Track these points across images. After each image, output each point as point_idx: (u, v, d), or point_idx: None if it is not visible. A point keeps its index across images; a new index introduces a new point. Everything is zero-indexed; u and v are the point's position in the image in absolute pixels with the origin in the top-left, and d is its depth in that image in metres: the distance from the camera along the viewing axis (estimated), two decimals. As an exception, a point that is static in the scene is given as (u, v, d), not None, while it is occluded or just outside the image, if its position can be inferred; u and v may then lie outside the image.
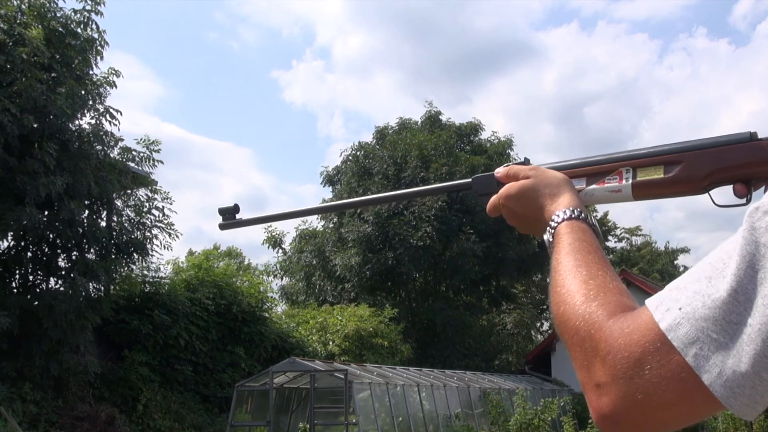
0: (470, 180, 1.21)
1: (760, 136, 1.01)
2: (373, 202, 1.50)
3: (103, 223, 13.05)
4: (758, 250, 0.69)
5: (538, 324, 35.09)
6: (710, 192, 1.05)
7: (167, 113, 71.14)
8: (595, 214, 36.00)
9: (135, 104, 60.14)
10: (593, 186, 1.10)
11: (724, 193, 1.06)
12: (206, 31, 70.59)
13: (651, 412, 0.72)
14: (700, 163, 1.03)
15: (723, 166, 1.02)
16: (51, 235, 12.01)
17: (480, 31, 58.28)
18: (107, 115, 12.55)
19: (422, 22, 56.00)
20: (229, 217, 1.43)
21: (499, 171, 1.16)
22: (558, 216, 0.99)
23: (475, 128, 27.67)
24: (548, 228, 0.99)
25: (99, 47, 12.45)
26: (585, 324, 0.79)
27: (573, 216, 0.98)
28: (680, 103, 71.26)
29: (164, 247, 14.07)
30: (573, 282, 0.86)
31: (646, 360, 0.71)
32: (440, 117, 27.78)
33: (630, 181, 1.08)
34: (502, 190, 1.11)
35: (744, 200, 1.03)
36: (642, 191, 1.08)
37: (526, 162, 1.15)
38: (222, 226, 1.45)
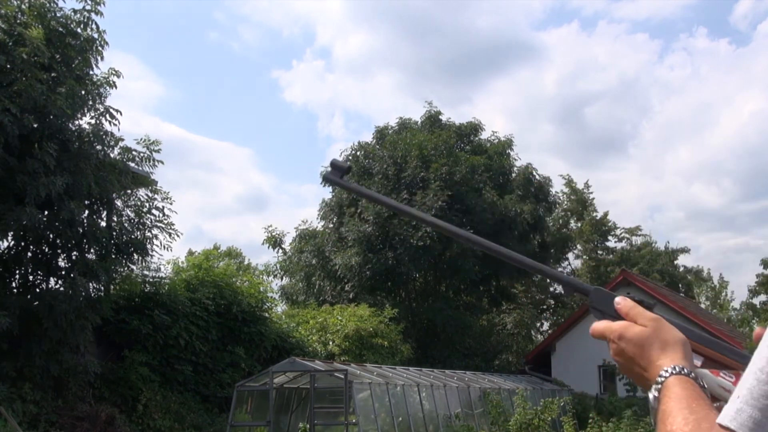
0: (591, 288, 1.19)
1: None
2: (477, 244, 1.40)
3: (103, 223, 13.04)
4: None
5: (538, 324, 35.08)
6: None
7: (167, 113, 71.11)
8: (595, 214, 35.97)
9: (135, 104, 60.10)
10: (706, 371, 1.06)
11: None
12: (207, 30, 70.55)
13: None
14: None
15: None
16: (51, 235, 12.01)
17: (480, 30, 58.27)
18: (107, 115, 12.56)
19: (423, 22, 56.01)
20: (337, 173, 1.42)
21: (620, 303, 1.13)
22: (666, 371, 0.98)
23: (475, 128, 27.66)
24: (654, 385, 0.99)
25: (99, 47, 12.45)
26: None
27: (683, 372, 0.97)
28: (681, 103, 71.15)
29: (164, 247, 14.09)
30: (675, 422, 0.87)
31: None
32: (440, 117, 27.79)
33: None
34: (616, 327, 1.10)
35: None
36: None
37: (650, 306, 1.12)
38: (325, 178, 1.46)
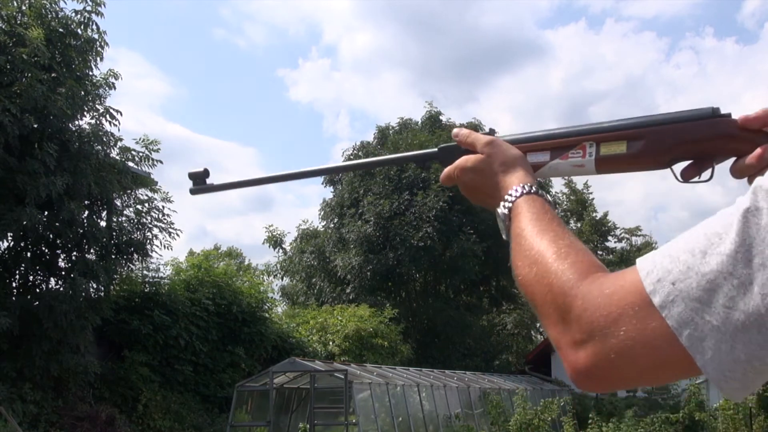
0: (437, 149, 1.20)
1: (722, 112, 1.01)
2: (345, 169, 1.52)
3: (103, 223, 13.04)
4: (759, 234, 0.68)
5: (538, 324, 35.05)
6: (673, 168, 1.05)
7: (173, 112, 71.22)
8: (595, 214, 35.96)
9: (141, 103, 60.20)
10: (557, 160, 1.10)
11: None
12: (213, 27, 70.53)
13: (624, 371, 0.73)
14: (662, 139, 1.03)
15: (684, 142, 1.02)
16: (51, 236, 12.01)
17: (487, 29, 58.34)
18: (107, 116, 12.57)
19: (429, 20, 56.05)
20: (200, 182, 1.38)
21: (458, 134, 1.14)
22: (516, 190, 0.99)
23: (475, 128, 27.52)
24: (503, 202, 1.00)
25: (99, 48, 12.46)
26: (558, 281, 0.80)
27: (531, 191, 0.99)
28: (686, 102, 71.18)
29: (164, 247, 14.08)
30: (541, 243, 0.87)
31: (623, 321, 0.72)
32: (440, 117, 27.83)
33: (594, 156, 1.08)
34: (458, 162, 1.11)
35: (708, 177, 1.04)
36: (605, 166, 1.08)
37: (491, 133, 1.14)
38: (193, 191, 1.39)
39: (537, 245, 0.87)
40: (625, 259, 36.18)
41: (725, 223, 0.71)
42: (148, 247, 13.57)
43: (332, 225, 25.55)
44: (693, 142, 1.01)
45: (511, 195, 0.99)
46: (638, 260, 0.77)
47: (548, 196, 1.01)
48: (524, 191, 0.99)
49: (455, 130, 1.15)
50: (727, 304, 0.68)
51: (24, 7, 11.89)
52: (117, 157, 12.96)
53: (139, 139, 13.44)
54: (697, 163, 1.04)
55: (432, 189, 22.42)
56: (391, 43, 60.35)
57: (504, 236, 0.99)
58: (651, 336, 0.71)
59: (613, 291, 0.74)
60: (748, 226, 0.69)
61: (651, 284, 0.72)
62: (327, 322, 19.58)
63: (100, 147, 12.29)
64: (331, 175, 20.77)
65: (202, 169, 1.38)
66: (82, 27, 12.22)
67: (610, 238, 37.03)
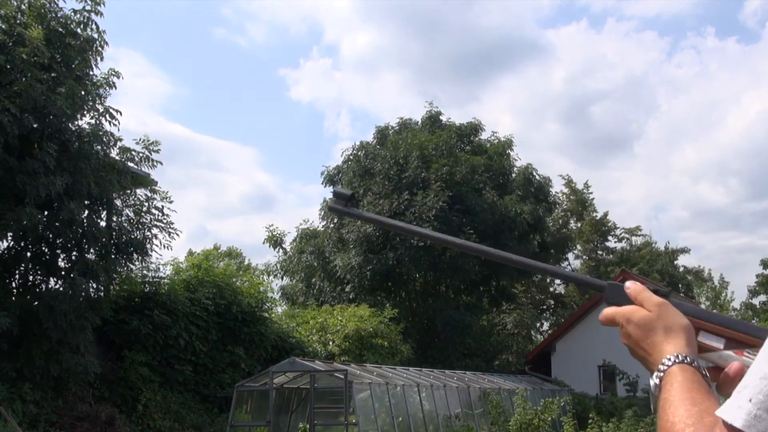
0: (605, 284, 1.20)
1: None
2: (491, 256, 1.48)
3: (103, 223, 13.05)
4: None
5: (538, 324, 35.09)
6: None
7: (174, 112, 71.03)
8: (595, 214, 35.95)
9: (142, 102, 60.11)
10: (730, 351, 1.07)
11: None
12: (213, 27, 70.36)
13: None
14: None
15: None
16: (51, 235, 12.01)
17: (488, 28, 58.16)
18: (107, 116, 12.57)
19: (430, 20, 55.90)
20: (341, 202, 1.41)
21: (630, 288, 1.15)
22: (669, 359, 1.01)
23: (474, 128, 27.66)
24: (657, 372, 1.02)
25: (99, 47, 12.45)
26: None
27: (686, 361, 1.00)
28: (688, 102, 70.98)
29: (164, 246, 14.09)
30: (676, 415, 0.91)
31: None
32: (440, 117, 27.80)
33: None
34: (625, 311, 1.12)
35: None
36: None
37: (666, 293, 1.13)
38: (330, 208, 1.44)
39: (672, 418, 0.91)
40: (625, 259, 36.17)
41: None
42: (148, 246, 13.57)
43: (332, 225, 25.54)
44: None
45: (664, 364, 1.01)
46: (716, 411, 0.82)
47: (705, 370, 1.02)
48: (677, 360, 1.00)
49: (628, 283, 1.16)
50: None
51: (23, 7, 11.89)
52: (117, 157, 12.96)
53: (139, 140, 13.46)
54: None
55: (432, 189, 22.40)
56: (392, 43, 60.29)
57: (651, 405, 1.02)
58: None
59: None
60: None
61: (732, 415, 0.77)
62: (327, 322, 19.58)
63: (99, 147, 12.29)
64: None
65: (349, 192, 1.42)
66: (81, 26, 12.22)
67: (610, 237, 37.04)
